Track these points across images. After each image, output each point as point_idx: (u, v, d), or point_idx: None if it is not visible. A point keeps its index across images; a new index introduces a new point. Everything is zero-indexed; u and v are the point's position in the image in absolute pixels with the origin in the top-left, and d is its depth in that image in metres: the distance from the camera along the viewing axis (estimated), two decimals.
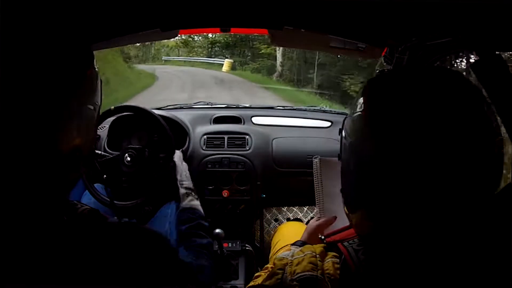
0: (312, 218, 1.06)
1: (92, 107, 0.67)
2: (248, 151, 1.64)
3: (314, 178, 1.02)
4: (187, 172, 1.27)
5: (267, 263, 1.22)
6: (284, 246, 1.16)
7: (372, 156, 0.50)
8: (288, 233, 1.28)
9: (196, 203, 1.16)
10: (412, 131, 0.47)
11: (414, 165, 0.47)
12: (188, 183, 1.23)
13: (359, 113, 0.54)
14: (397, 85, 0.52)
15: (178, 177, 1.24)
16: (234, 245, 1.56)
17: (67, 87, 0.61)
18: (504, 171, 0.51)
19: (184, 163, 1.31)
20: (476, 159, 0.47)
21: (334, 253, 0.60)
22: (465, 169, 0.46)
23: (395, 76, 0.56)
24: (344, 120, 0.59)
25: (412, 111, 0.48)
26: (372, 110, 0.52)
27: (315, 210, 1.78)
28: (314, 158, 1.04)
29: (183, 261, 0.86)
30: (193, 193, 1.19)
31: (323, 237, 0.69)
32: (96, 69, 0.69)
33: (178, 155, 1.32)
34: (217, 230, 1.37)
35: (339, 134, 0.62)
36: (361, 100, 0.54)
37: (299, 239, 1.00)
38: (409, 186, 0.47)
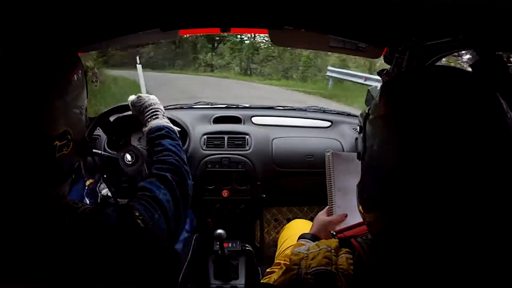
0: (312, 218, 1.06)
1: (77, 111, 0.69)
2: (248, 151, 1.64)
3: (326, 173, 1.01)
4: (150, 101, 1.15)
5: (267, 263, 1.22)
6: (291, 246, 1.16)
7: (396, 159, 0.50)
8: (296, 232, 1.27)
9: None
10: (437, 135, 0.47)
11: (440, 171, 0.46)
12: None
13: (381, 114, 0.54)
14: (419, 86, 0.52)
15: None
16: (234, 245, 1.56)
17: (49, 88, 0.63)
18: None
19: (144, 97, 1.16)
20: (500, 163, 0.46)
21: (347, 249, 0.60)
22: (489, 172, 0.46)
23: (415, 77, 0.55)
24: (364, 119, 0.59)
25: (436, 113, 0.48)
26: (396, 110, 0.52)
27: (315, 210, 1.78)
28: (327, 152, 1.03)
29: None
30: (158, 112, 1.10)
31: (334, 233, 0.69)
32: (81, 74, 0.70)
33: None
34: (219, 231, 1.37)
35: (359, 133, 0.62)
36: (382, 101, 0.54)
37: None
38: (433, 192, 0.47)
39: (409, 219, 0.50)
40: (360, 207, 0.61)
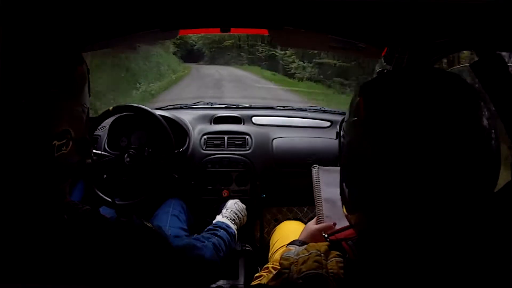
0: (312, 218, 1.06)
1: (80, 109, 0.68)
2: (248, 151, 1.64)
3: (314, 186, 1.04)
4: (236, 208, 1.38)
5: (267, 263, 1.22)
6: (282, 246, 1.17)
7: (369, 157, 0.51)
8: (287, 233, 1.28)
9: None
10: (408, 133, 0.48)
11: (411, 166, 0.47)
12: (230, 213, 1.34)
13: (356, 114, 0.54)
14: (393, 87, 0.52)
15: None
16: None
17: (51, 86, 0.62)
18: (504, 171, 0.51)
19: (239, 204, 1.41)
20: (472, 161, 0.47)
21: (338, 252, 0.60)
22: (461, 170, 0.47)
23: (390, 78, 0.56)
24: (341, 122, 0.60)
25: (409, 113, 0.48)
26: (368, 112, 0.52)
27: (315, 210, 1.78)
28: (313, 167, 1.06)
29: (180, 253, 0.89)
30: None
31: (326, 235, 0.69)
32: (84, 70, 0.70)
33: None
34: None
35: (336, 138, 0.63)
36: (357, 102, 0.54)
37: (297, 237, 1.00)
38: (407, 187, 0.48)
39: (389, 219, 0.51)
40: (344, 210, 0.61)
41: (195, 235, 1.11)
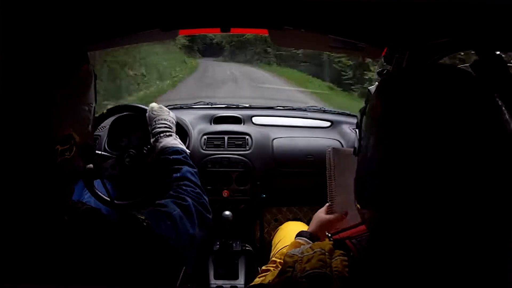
0: (311, 218, 1.06)
1: (86, 108, 0.67)
2: (248, 151, 1.64)
3: (327, 169, 1.00)
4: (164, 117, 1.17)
5: (267, 263, 1.22)
6: (285, 246, 1.16)
7: (389, 158, 0.51)
8: (289, 233, 1.28)
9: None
10: (428, 131, 0.48)
11: (428, 165, 0.47)
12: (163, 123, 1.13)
13: (376, 111, 0.54)
14: (413, 84, 0.52)
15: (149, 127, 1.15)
16: (234, 245, 1.56)
17: (55, 86, 0.61)
18: None
19: (165, 110, 1.20)
20: (492, 160, 0.47)
21: (342, 251, 0.60)
22: (480, 170, 0.46)
23: (410, 75, 0.56)
24: (361, 116, 0.60)
25: (427, 111, 0.48)
26: (388, 110, 0.52)
27: (315, 210, 1.77)
28: (328, 149, 1.02)
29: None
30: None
31: (329, 235, 0.69)
32: (90, 69, 0.69)
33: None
34: (226, 213, 1.39)
35: (354, 129, 0.63)
36: (376, 98, 0.55)
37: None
38: (425, 190, 0.48)
39: (403, 217, 0.51)
40: (357, 203, 0.61)
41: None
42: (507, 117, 0.48)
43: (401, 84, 0.54)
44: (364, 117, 0.59)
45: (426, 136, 0.48)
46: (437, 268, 0.50)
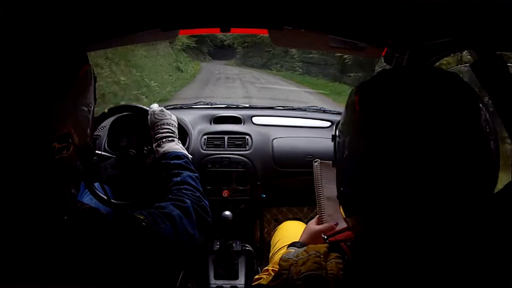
0: (312, 218, 1.06)
1: (85, 108, 0.67)
2: (248, 151, 1.64)
3: (315, 182, 1.01)
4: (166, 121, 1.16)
5: (267, 263, 1.22)
6: (283, 247, 1.16)
7: (366, 158, 0.50)
8: (288, 233, 1.28)
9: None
10: (404, 133, 0.47)
11: (407, 167, 0.47)
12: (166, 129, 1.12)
13: (352, 114, 0.54)
14: (389, 86, 0.52)
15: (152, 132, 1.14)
16: (234, 245, 1.56)
17: (55, 86, 0.61)
18: (505, 172, 0.51)
19: (167, 114, 1.19)
20: (470, 161, 0.47)
21: (337, 254, 0.60)
22: (459, 171, 0.47)
23: (386, 77, 0.56)
24: (337, 124, 0.59)
25: (405, 112, 0.48)
26: (364, 112, 0.52)
27: (315, 210, 1.78)
28: (314, 162, 1.03)
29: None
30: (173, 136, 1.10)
31: (325, 237, 0.69)
32: (90, 69, 0.69)
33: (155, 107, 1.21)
34: (226, 212, 1.40)
35: (332, 141, 0.62)
36: (353, 101, 0.54)
37: (298, 239, 1.00)
38: (404, 188, 0.48)
39: (385, 221, 0.51)
40: (342, 212, 0.61)
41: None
42: (487, 116, 0.48)
43: (380, 85, 0.53)
44: (341, 126, 0.58)
45: (406, 138, 0.47)
46: (428, 271, 0.50)
